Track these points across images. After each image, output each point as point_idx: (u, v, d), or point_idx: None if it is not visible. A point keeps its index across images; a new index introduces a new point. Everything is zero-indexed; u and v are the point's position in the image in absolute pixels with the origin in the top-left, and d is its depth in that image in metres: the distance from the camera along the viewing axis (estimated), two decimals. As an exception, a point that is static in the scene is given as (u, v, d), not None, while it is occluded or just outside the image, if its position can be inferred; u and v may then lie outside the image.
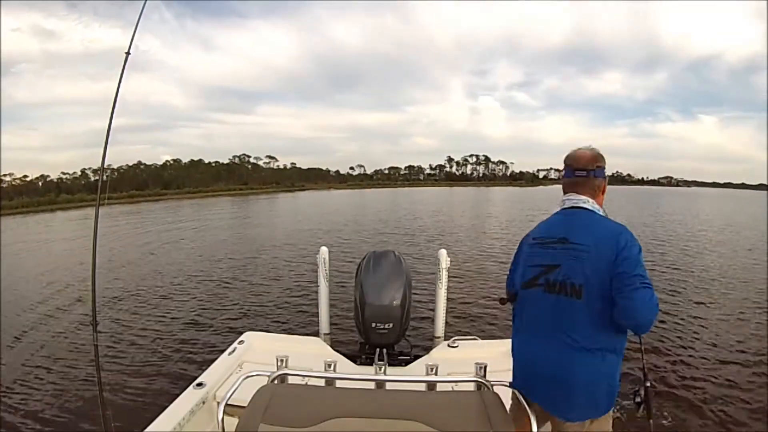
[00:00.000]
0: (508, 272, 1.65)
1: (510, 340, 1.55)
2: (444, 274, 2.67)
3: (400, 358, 2.49)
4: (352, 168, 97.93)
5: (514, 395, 1.44)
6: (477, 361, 1.56)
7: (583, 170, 1.45)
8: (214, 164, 74.48)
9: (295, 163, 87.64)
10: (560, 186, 1.55)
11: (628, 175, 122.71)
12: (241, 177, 71.55)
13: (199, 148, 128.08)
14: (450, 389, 1.64)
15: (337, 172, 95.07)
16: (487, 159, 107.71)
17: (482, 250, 11.06)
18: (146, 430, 1.64)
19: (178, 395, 1.92)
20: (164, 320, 5.88)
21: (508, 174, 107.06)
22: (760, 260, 9.99)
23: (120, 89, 2.40)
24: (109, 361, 4.34)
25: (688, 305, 6.38)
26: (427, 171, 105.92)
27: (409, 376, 2.17)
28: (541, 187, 79.45)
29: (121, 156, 61.57)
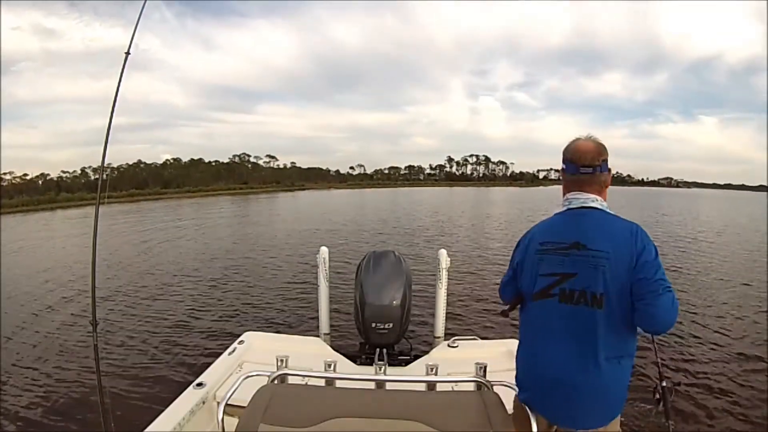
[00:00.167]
0: (504, 277, 1.53)
1: (509, 341, 1.55)
2: (444, 274, 2.68)
3: (400, 358, 2.50)
4: (352, 168, 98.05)
5: (516, 401, 1.41)
6: (477, 361, 1.57)
7: (589, 167, 1.34)
8: (214, 163, 74.54)
9: (295, 163, 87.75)
10: (560, 186, 1.45)
11: (629, 176, 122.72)
12: (241, 176, 71.51)
13: (199, 147, 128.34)
14: (450, 389, 1.64)
15: (337, 171, 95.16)
16: (487, 159, 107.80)
17: (482, 251, 11.05)
18: (146, 430, 1.64)
19: (178, 395, 1.92)
20: (164, 320, 5.87)
21: (508, 174, 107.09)
22: (760, 261, 9.99)
23: (120, 88, 2.40)
24: (108, 360, 4.33)
25: (688, 305, 6.38)
26: (427, 171, 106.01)
27: (409, 376, 2.17)
28: (541, 187, 79.51)
29: (121, 155, 61.70)
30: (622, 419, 1.33)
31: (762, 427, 3.29)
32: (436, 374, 1.71)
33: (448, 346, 2.54)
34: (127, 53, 2.44)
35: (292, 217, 22.52)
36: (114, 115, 2.37)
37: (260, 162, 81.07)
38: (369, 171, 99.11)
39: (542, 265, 1.34)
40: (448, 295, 2.72)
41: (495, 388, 1.35)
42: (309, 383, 1.56)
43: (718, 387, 3.89)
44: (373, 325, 2.31)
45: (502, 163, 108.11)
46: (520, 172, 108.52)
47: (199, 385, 1.99)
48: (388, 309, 2.32)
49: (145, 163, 67.66)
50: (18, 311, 6.41)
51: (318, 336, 2.75)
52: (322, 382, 1.52)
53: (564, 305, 1.29)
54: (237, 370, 2.24)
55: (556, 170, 1.46)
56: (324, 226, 16.98)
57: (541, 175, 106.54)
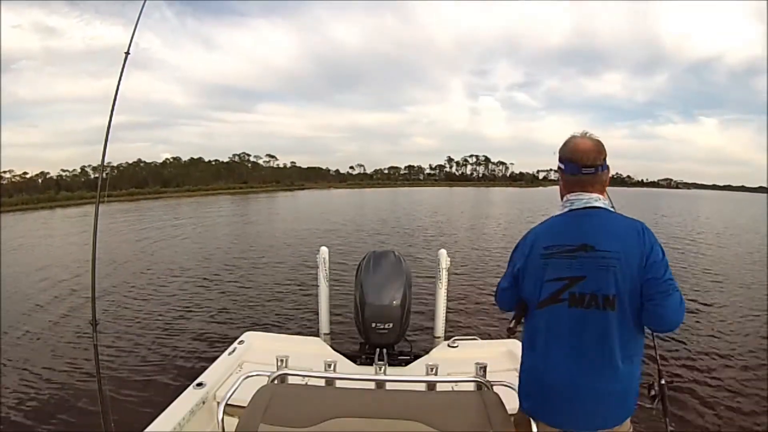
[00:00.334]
0: (501, 283, 1.46)
1: (510, 341, 1.55)
2: (444, 274, 2.68)
3: (400, 358, 2.49)
4: (352, 167, 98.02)
5: (520, 412, 1.38)
6: (477, 361, 1.57)
7: (591, 167, 1.30)
8: (213, 163, 74.45)
9: (294, 162, 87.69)
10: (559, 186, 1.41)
11: (628, 176, 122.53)
12: (241, 176, 71.47)
13: (199, 147, 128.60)
14: (450, 389, 1.64)
15: (337, 171, 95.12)
16: (487, 159, 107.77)
17: (482, 251, 11.07)
18: (146, 430, 1.64)
19: (177, 395, 1.91)
20: (164, 319, 5.87)
21: (508, 174, 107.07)
22: (760, 262, 10.00)
23: (120, 87, 2.40)
24: (108, 360, 4.33)
25: (688, 305, 6.38)
26: (427, 171, 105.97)
27: (409, 376, 2.17)
28: (540, 188, 79.49)
29: (121, 153, 61.48)
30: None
31: (762, 426, 3.30)
32: (436, 374, 1.71)
33: (448, 346, 2.54)
34: (127, 52, 2.44)
35: (292, 216, 22.53)
36: (114, 113, 2.37)
37: (260, 161, 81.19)
38: (369, 171, 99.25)
39: (548, 270, 1.29)
40: (448, 295, 2.72)
41: (495, 388, 1.35)
42: (309, 383, 1.56)
43: (716, 386, 3.91)
44: (373, 325, 2.31)
45: (502, 163, 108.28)
46: (520, 173, 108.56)
47: (199, 385, 1.99)
48: (388, 309, 2.31)
49: (145, 162, 67.65)
50: (17, 310, 6.40)
51: (318, 336, 2.75)
52: (322, 382, 1.52)
53: (574, 309, 1.25)
54: (237, 370, 2.24)
55: (556, 171, 1.44)
56: (324, 225, 16.98)
57: (541, 175, 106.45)
